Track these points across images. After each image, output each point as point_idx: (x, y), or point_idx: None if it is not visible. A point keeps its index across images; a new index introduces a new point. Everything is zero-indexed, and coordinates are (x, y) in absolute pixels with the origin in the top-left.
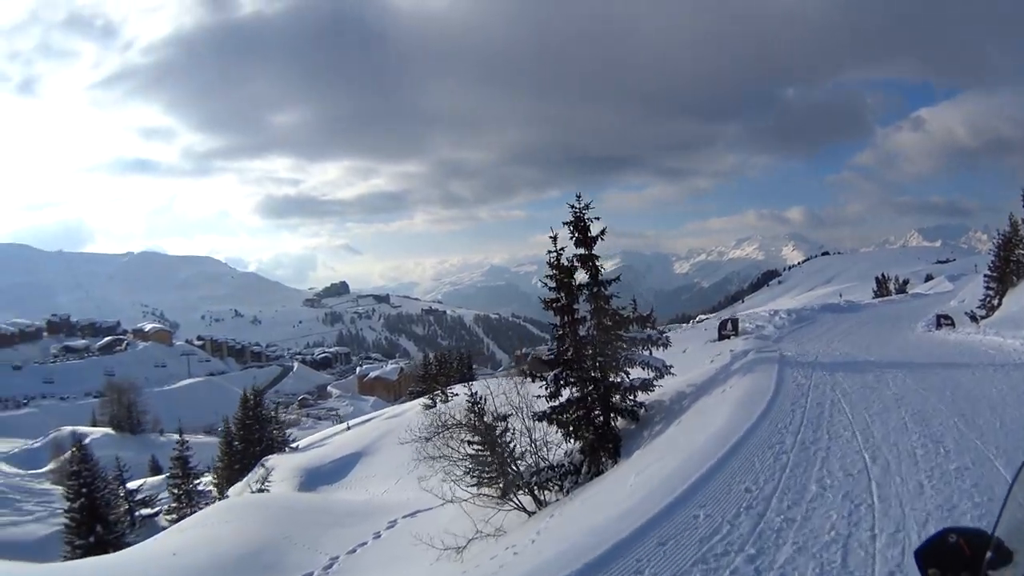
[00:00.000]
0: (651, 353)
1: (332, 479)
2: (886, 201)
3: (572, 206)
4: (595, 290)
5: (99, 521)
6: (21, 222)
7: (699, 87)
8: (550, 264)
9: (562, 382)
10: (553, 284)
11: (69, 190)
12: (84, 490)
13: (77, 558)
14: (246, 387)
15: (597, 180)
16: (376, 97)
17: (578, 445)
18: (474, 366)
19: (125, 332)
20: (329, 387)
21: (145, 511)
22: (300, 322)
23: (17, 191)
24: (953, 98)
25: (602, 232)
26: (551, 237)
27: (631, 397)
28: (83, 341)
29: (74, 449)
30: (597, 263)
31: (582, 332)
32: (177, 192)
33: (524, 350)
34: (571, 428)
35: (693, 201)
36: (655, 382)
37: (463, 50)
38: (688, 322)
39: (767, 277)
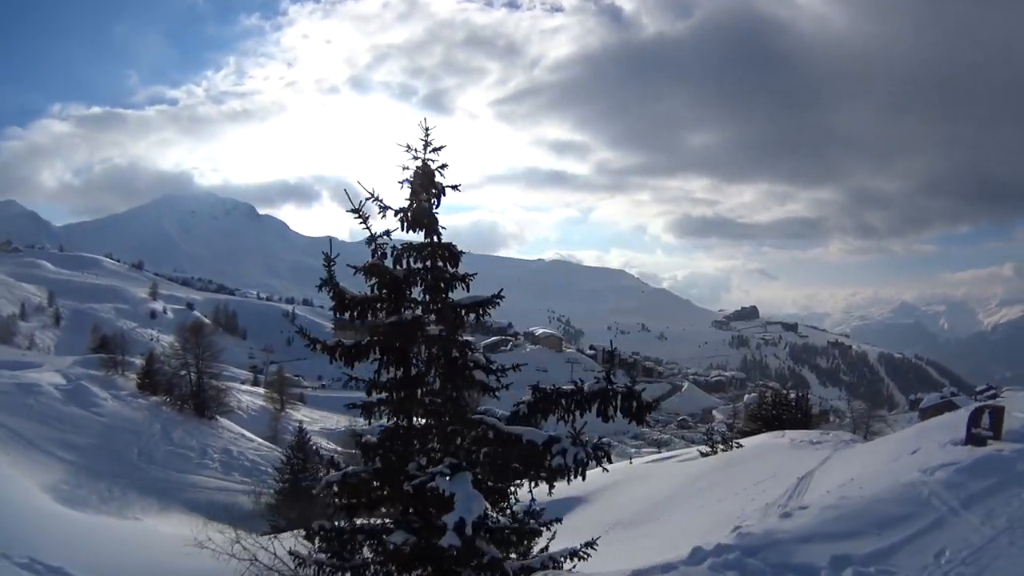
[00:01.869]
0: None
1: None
2: None
3: (410, 147)
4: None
5: (299, 503)
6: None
7: None
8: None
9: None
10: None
11: (482, 197)
12: (289, 475)
13: (267, 533)
14: None
15: (1008, 214)
16: (789, 120)
17: None
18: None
19: (516, 334)
20: (714, 411)
21: None
22: (705, 342)
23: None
24: None
25: (438, 193)
26: (355, 211)
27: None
28: (469, 338)
29: (297, 435)
30: (449, 260)
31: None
32: (592, 205)
33: (918, 395)
34: None
35: None
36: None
37: (869, 72)
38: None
39: None
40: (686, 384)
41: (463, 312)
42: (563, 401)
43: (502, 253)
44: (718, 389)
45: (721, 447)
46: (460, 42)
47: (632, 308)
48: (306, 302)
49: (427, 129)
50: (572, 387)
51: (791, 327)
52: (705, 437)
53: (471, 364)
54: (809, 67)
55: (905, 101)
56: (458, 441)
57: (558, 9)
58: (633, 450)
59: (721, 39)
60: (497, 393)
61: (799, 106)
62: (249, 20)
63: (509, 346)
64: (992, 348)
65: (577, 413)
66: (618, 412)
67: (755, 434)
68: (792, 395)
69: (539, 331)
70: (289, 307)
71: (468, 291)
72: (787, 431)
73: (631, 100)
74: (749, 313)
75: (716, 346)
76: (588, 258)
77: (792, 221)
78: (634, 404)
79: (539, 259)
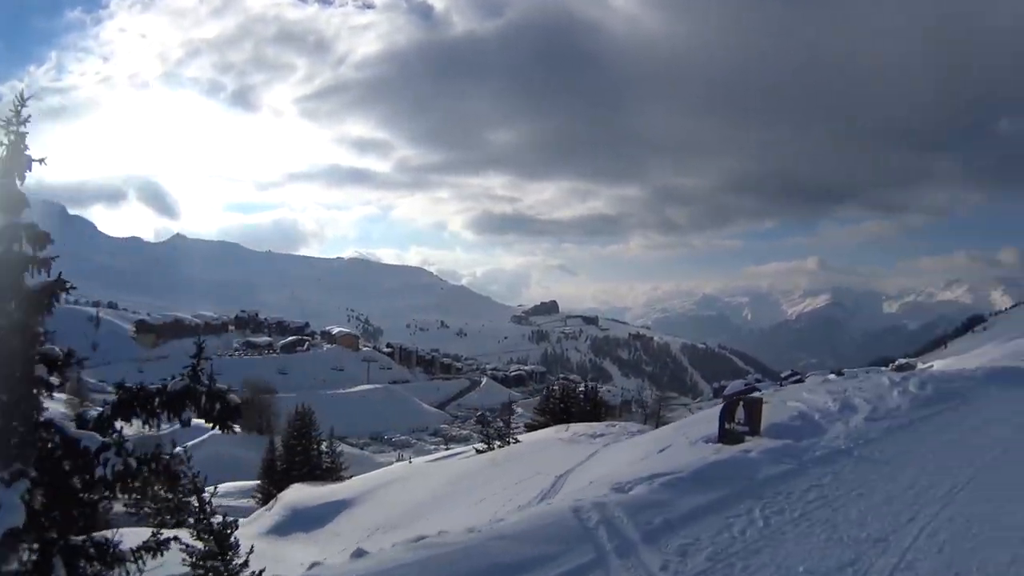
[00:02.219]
0: None
1: (310, 526)
2: None
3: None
4: None
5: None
6: (230, 222)
7: (914, 117)
8: None
9: None
10: None
11: (283, 195)
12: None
13: None
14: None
15: (812, 211)
16: (594, 119)
17: None
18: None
19: (313, 334)
20: (514, 405)
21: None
22: (505, 338)
23: (225, 193)
24: None
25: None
26: None
27: None
28: (267, 338)
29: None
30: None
31: None
32: (392, 203)
33: (722, 383)
34: None
35: (906, 238)
36: None
37: (679, 75)
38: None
39: (972, 322)
40: (485, 379)
41: (38, 298)
42: (149, 402)
43: (303, 252)
44: (518, 383)
45: (498, 443)
46: (270, 38)
47: (431, 305)
48: (111, 305)
49: (23, 99)
50: (158, 386)
51: (591, 321)
52: (481, 433)
53: (36, 357)
54: (618, 67)
55: (713, 103)
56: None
57: (369, 6)
58: (432, 447)
59: (531, 38)
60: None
61: (606, 105)
62: (73, 13)
63: (306, 346)
64: (796, 336)
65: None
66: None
67: (543, 428)
68: (581, 387)
69: (336, 330)
70: (94, 310)
71: (49, 275)
72: (573, 424)
73: (436, 98)
74: (549, 308)
75: (516, 341)
76: (387, 256)
77: (593, 218)
78: (217, 406)
79: (339, 257)
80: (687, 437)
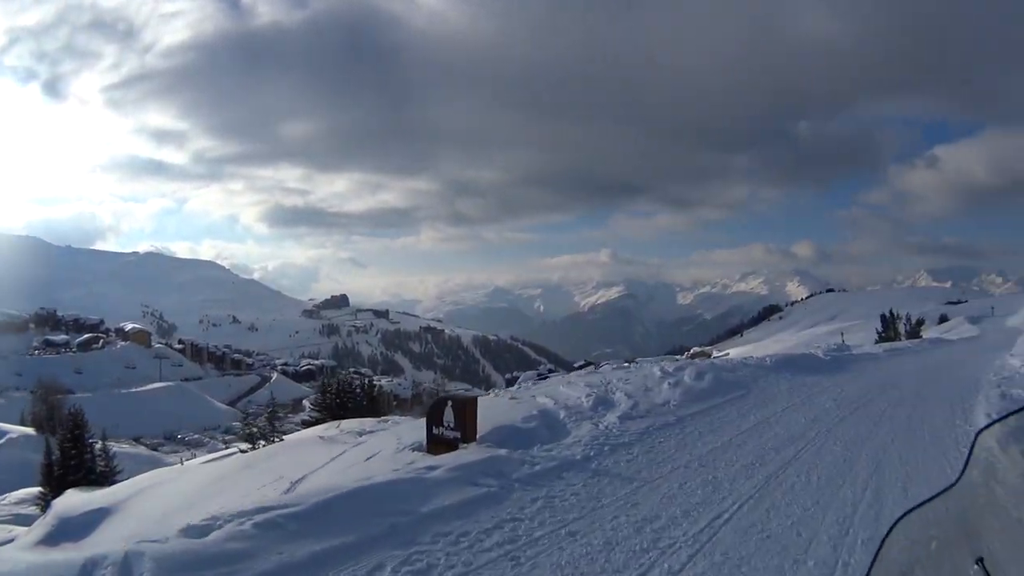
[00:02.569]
0: None
1: (79, 535)
2: (896, 240)
3: None
4: None
5: None
6: (35, 215)
7: (713, 117)
8: None
9: None
10: None
11: (84, 187)
12: None
13: None
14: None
15: (605, 205)
16: (388, 112)
17: None
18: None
19: (108, 331)
20: (305, 400)
21: None
22: (296, 332)
23: (33, 185)
24: (970, 137)
25: None
26: None
27: None
28: (64, 336)
29: None
30: None
31: None
32: (187, 196)
33: (514, 373)
34: None
35: (700, 232)
36: None
37: (479, 70)
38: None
39: (768, 312)
40: (275, 375)
41: None
42: None
43: (99, 246)
44: (308, 378)
45: (262, 443)
46: (84, 25)
47: (223, 300)
48: None
49: None
50: None
51: (382, 314)
52: (243, 430)
53: None
54: (418, 63)
55: (511, 99)
56: None
57: None
58: (223, 446)
59: (334, 31)
60: None
61: (401, 99)
62: None
63: (100, 344)
64: (590, 327)
65: None
66: None
67: (318, 424)
68: (356, 381)
69: (129, 326)
70: None
71: None
72: (345, 421)
73: (236, 88)
74: (339, 301)
75: (307, 335)
76: (181, 250)
77: (384, 210)
78: None
79: (134, 252)
80: (400, 442)
